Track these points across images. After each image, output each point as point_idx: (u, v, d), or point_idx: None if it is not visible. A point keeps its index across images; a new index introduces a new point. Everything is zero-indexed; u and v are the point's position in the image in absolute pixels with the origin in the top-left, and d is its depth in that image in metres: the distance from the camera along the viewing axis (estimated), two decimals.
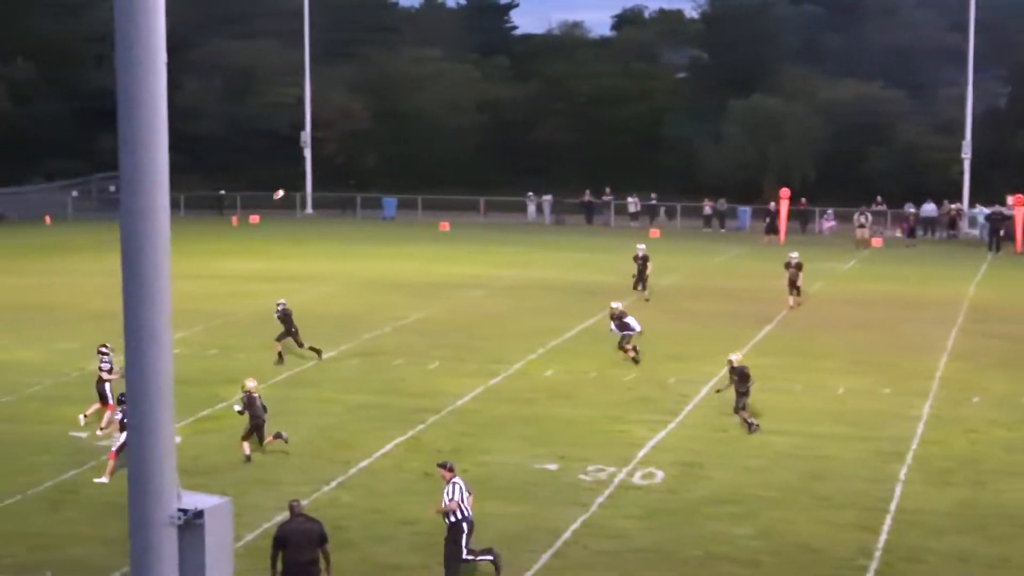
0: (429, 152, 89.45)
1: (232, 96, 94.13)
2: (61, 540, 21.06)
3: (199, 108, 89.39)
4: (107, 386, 27.63)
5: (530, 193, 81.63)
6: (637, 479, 24.41)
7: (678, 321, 41.67)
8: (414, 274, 52.77)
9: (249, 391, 25.83)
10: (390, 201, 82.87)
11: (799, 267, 43.74)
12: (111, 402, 27.35)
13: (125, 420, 23.63)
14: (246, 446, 25.60)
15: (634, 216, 77.90)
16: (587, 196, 78.93)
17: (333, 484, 23.99)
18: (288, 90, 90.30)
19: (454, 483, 18.94)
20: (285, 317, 34.70)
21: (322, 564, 17.53)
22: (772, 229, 68.72)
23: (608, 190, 79.35)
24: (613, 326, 35.00)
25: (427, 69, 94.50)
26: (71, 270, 53.95)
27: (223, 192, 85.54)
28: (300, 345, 34.83)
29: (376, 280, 50.73)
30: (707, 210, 75.62)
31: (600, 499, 23.17)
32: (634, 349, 34.83)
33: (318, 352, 35.01)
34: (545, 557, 20.27)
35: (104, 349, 28.35)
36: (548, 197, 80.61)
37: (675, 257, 58.16)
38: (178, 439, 25.06)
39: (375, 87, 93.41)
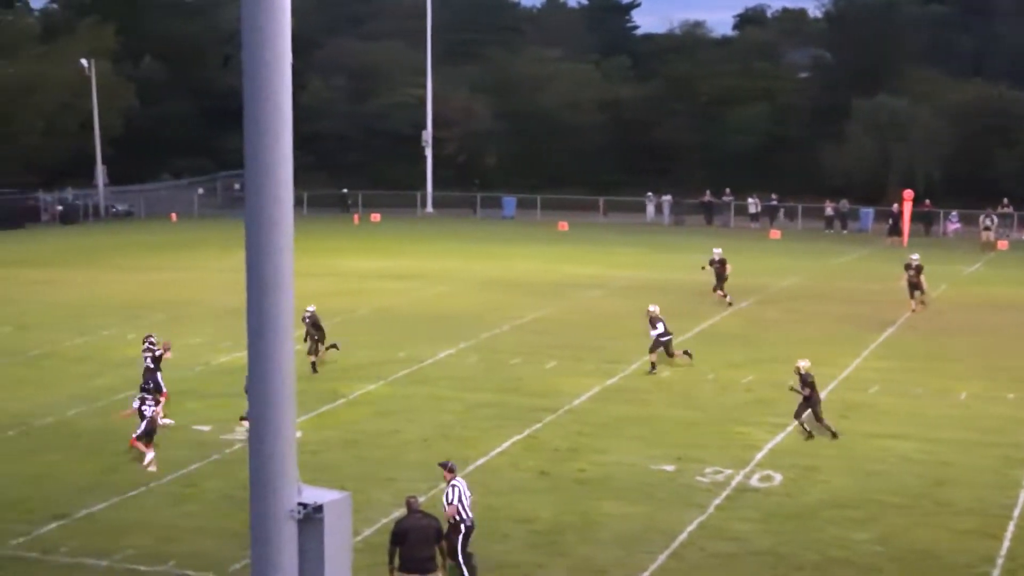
0: (549, 152, 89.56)
1: (356, 96, 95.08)
2: (184, 532, 21.33)
3: (323, 108, 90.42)
4: (159, 375, 27.79)
5: (649, 193, 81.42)
6: (755, 482, 24.22)
7: (798, 323, 41.29)
8: (533, 273, 52.86)
9: None
10: (510, 200, 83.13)
11: (919, 270, 43.03)
12: (164, 390, 27.49)
13: (143, 408, 25.06)
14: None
15: (754, 217, 77.34)
16: (707, 196, 78.53)
17: None
18: (410, 90, 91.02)
19: (453, 484, 18.65)
20: (314, 324, 33.84)
21: (439, 560, 17.62)
22: (895, 231, 67.81)
23: (728, 190, 78.83)
24: (658, 329, 33.82)
25: (548, 69, 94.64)
26: (197, 266, 54.83)
27: (346, 190, 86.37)
28: (322, 349, 33.92)
29: (495, 279, 50.92)
30: (829, 211, 74.82)
31: (717, 501, 23.02)
32: (685, 353, 34.25)
33: (335, 347, 34.42)
34: (662, 558, 20.19)
35: (152, 340, 28.65)
36: (667, 197, 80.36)
37: (796, 259, 57.64)
38: (299, 434, 25.30)
39: (496, 87, 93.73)
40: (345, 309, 42.31)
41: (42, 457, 25.81)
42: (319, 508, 8.52)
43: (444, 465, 19.20)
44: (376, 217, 78.76)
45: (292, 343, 8.56)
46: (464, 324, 40.12)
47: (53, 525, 21.68)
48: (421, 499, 19.25)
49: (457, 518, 18.45)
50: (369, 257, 58.25)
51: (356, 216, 79.02)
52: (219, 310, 41.98)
